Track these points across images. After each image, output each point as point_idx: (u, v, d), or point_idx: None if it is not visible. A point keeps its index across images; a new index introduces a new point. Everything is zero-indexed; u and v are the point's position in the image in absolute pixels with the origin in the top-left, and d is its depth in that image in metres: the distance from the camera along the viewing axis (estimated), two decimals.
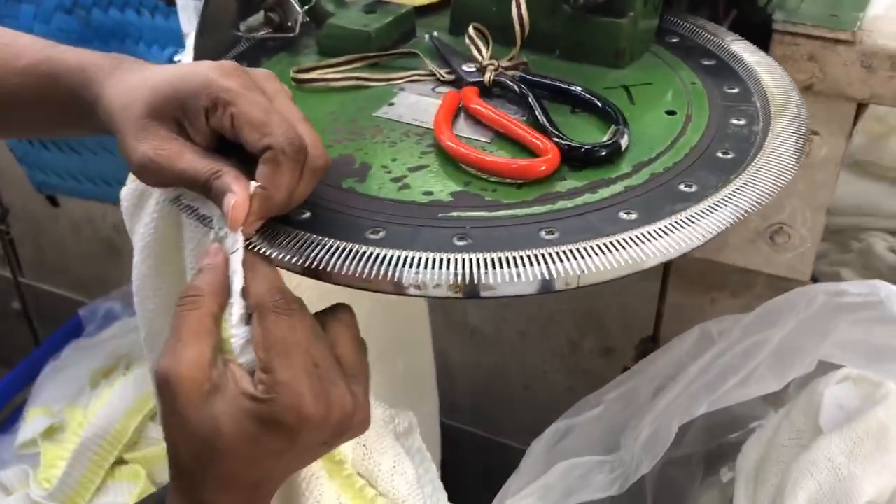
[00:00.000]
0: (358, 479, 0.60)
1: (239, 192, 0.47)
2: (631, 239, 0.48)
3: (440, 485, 0.68)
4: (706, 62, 0.68)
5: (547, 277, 0.46)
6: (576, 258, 0.47)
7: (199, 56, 0.66)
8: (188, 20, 0.71)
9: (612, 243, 0.48)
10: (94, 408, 1.14)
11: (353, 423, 0.49)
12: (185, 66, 0.51)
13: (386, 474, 0.61)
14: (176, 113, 0.50)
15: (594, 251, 0.47)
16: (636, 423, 0.83)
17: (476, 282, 0.46)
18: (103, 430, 1.11)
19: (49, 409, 1.23)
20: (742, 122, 0.59)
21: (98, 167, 1.08)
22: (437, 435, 1.10)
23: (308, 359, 0.47)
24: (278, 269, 0.49)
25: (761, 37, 0.77)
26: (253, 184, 0.48)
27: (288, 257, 0.48)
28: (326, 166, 0.50)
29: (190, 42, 0.66)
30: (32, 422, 1.20)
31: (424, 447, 0.68)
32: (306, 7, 0.69)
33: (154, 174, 0.50)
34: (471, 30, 0.66)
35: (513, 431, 1.23)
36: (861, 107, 0.82)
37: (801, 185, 0.86)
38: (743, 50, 0.69)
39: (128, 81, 0.52)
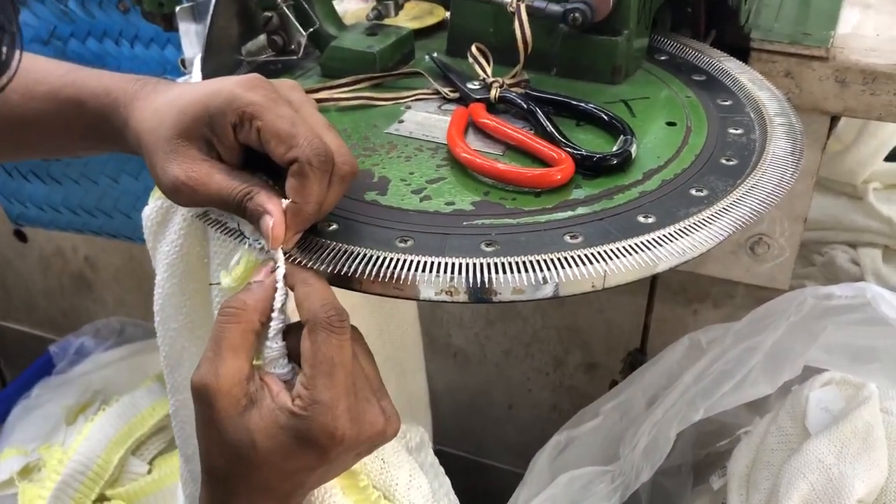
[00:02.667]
0: (374, 491, 0.60)
1: (274, 213, 0.48)
2: (652, 241, 0.50)
3: (455, 498, 0.68)
4: (696, 77, 0.71)
5: (574, 279, 0.48)
6: (602, 260, 0.48)
7: (205, 78, 0.67)
8: (189, 44, 0.71)
9: (634, 245, 0.50)
10: (73, 444, 1.11)
11: (385, 438, 0.51)
12: (211, 84, 0.52)
13: (403, 488, 0.61)
14: (204, 131, 0.50)
15: (619, 253, 0.49)
16: (633, 432, 0.85)
17: (502, 287, 0.47)
18: (84, 465, 1.09)
19: (23, 448, 1.20)
20: (739, 132, 0.62)
21: (80, 197, 1.07)
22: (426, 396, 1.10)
23: (350, 379, 0.47)
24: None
25: (740, 54, 0.81)
26: (284, 201, 0.48)
27: (322, 267, 0.49)
28: (354, 173, 0.51)
29: (197, 65, 0.66)
30: (7, 462, 1.17)
31: (437, 461, 0.69)
32: (309, 31, 0.70)
33: (186, 196, 0.50)
34: (473, 49, 0.68)
35: (497, 452, 1.24)
36: (833, 120, 0.86)
37: None
38: (730, 65, 0.72)
39: (155, 103, 0.52)
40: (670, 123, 0.63)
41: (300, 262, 0.49)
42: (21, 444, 1.21)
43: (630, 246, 0.50)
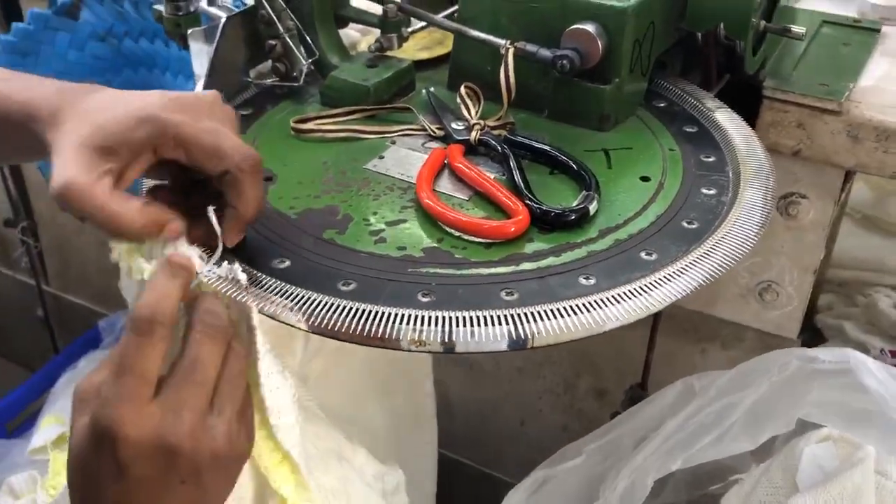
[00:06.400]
0: None
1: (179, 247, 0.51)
2: (586, 305, 0.51)
3: None
4: (688, 129, 0.70)
5: (497, 337, 0.49)
6: (530, 321, 0.50)
7: None
8: (200, 65, 0.75)
9: (567, 308, 0.51)
10: None
11: (223, 459, 0.48)
12: (134, 102, 0.53)
13: None
14: (117, 150, 0.51)
15: (549, 315, 0.50)
16: (615, 474, 0.85)
17: (432, 339, 0.49)
18: None
19: (62, 418, 1.27)
20: (712, 192, 0.62)
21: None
22: (435, 465, 1.13)
23: (198, 389, 0.47)
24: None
25: (752, 100, 0.80)
26: (210, 209, 0.52)
27: (261, 304, 0.51)
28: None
29: (199, 86, 0.70)
30: (45, 430, 1.24)
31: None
32: (311, 59, 0.73)
33: (74, 205, 0.50)
34: (462, 89, 0.70)
35: (507, 466, 1.25)
36: (849, 174, 0.84)
37: (789, 246, 0.88)
38: (725, 118, 0.71)
39: (77, 112, 0.53)
40: (644, 178, 0.64)
41: (245, 298, 0.52)
42: (61, 413, 1.28)
43: (562, 308, 0.51)
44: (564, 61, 0.66)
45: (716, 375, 0.83)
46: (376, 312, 0.50)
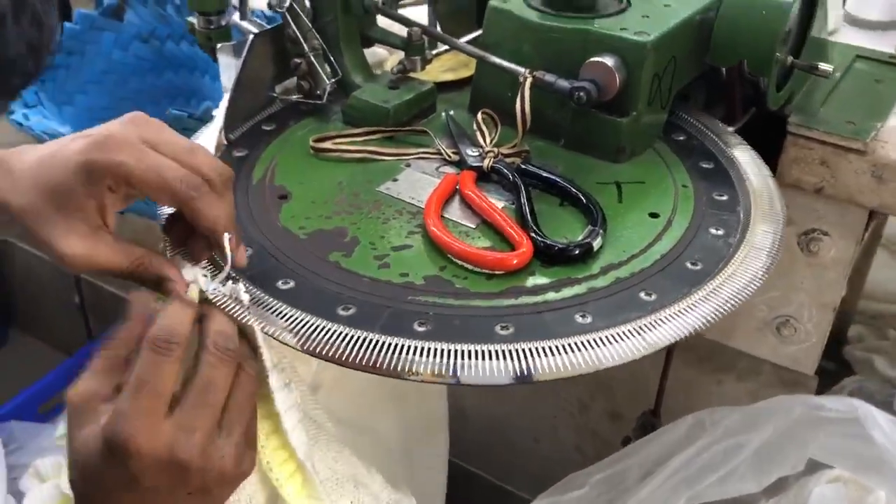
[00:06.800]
0: None
1: (172, 274, 0.53)
2: (579, 343, 0.51)
3: None
4: (704, 164, 0.70)
5: (496, 371, 0.50)
6: (522, 358, 0.50)
7: (230, 113, 0.72)
8: (228, 78, 0.77)
9: (560, 346, 0.51)
10: None
11: (228, 477, 0.50)
12: (67, 150, 0.53)
13: None
14: (82, 202, 0.53)
15: (541, 352, 0.51)
16: None
17: (424, 371, 0.50)
18: None
19: None
20: (720, 233, 0.62)
21: None
22: (444, 476, 1.14)
23: (208, 410, 0.49)
24: None
25: (778, 134, 0.79)
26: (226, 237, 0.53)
27: (263, 325, 0.53)
28: (230, 177, 0.55)
29: (224, 99, 0.72)
30: None
31: None
32: (335, 79, 0.74)
33: (81, 268, 0.54)
34: (479, 115, 0.70)
35: (520, 481, 1.26)
36: (873, 213, 0.82)
37: (809, 282, 0.87)
38: (743, 155, 0.71)
39: (17, 178, 0.54)
40: (653, 215, 0.64)
41: (245, 319, 0.53)
42: None
43: (555, 346, 0.51)
44: (581, 93, 0.67)
45: (726, 412, 0.83)
46: (370, 340, 0.51)
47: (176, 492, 0.48)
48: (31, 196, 0.53)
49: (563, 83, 0.68)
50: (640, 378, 1.08)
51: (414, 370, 0.50)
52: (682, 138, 0.74)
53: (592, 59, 0.67)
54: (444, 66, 0.82)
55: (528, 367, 0.50)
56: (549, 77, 0.69)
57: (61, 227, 0.53)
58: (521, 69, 0.69)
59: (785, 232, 0.62)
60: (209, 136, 0.70)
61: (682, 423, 0.87)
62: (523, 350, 0.50)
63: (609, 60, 0.67)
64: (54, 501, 1.16)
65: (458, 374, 0.50)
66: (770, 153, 0.77)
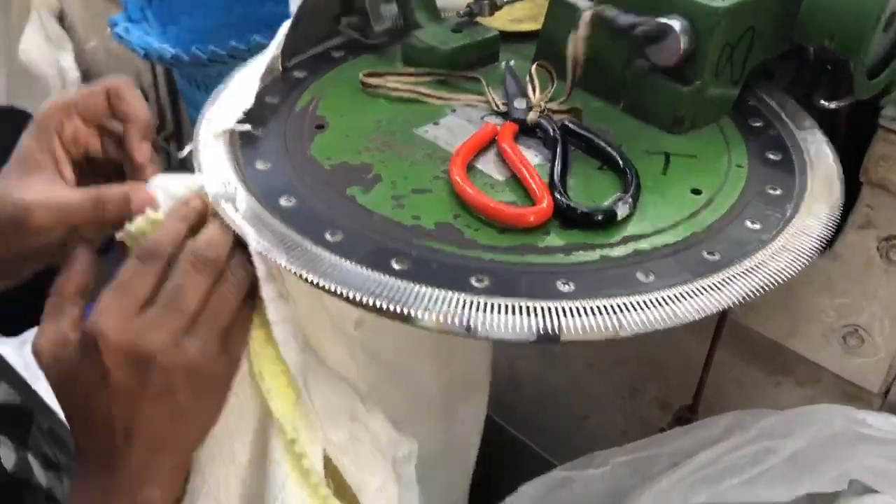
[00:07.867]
0: (324, 488, 0.61)
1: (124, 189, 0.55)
2: (546, 309, 0.48)
3: None
4: (768, 150, 0.65)
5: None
6: (480, 310, 0.48)
7: (289, 40, 0.71)
8: (295, 4, 0.76)
9: (523, 306, 0.48)
10: None
11: (187, 379, 0.50)
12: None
13: (372, 492, 0.63)
14: (34, 156, 0.58)
15: (504, 310, 0.48)
16: (639, 493, 0.81)
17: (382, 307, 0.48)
18: None
19: None
20: (756, 227, 0.56)
21: None
22: (479, 436, 1.12)
23: (133, 301, 0.50)
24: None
25: (867, 128, 0.73)
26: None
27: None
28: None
29: (283, 28, 0.71)
30: None
31: (414, 475, 0.70)
32: (398, 16, 0.72)
33: (44, 218, 0.56)
34: (533, 67, 0.67)
35: (563, 455, 1.23)
36: None
37: (885, 292, 0.80)
38: (815, 146, 0.65)
39: None
40: (695, 191, 0.60)
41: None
42: None
43: (519, 306, 0.48)
44: (643, 30, 0.62)
45: (765, 414, 0.78)
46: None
47: (145, 392, 0.49)
48: None
49: (626, 19, 0.63)
50: (694, 370, 1.03)
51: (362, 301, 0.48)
52: (753, 119, 0.69)
53: (659, 20, 0.63)
54: (511, 16, 0.79)
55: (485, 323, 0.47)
56: (611, 11, 0.64)
57: (20, 183, 0.56)
58: (586, 3, 0.65)
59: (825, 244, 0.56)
60: (259, 62, 0.70)
61: (720, 419, 0.82)
62: (488, 304, 0.48)
63: (676, 24, 0.62)
64: None
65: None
66: (857, 148, 0.71)
